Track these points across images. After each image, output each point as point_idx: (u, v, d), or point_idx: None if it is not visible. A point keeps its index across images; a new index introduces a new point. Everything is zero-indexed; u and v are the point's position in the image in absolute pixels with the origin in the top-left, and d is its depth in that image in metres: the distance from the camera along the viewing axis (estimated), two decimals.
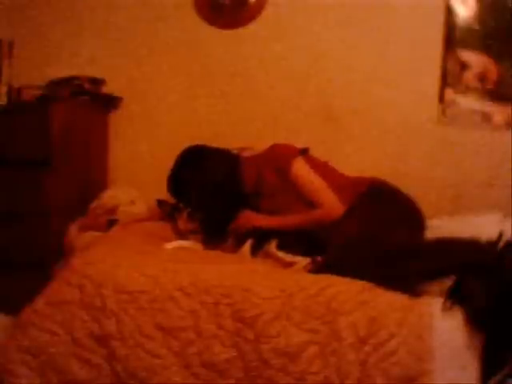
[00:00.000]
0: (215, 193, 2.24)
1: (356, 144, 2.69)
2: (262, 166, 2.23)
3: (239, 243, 2.16)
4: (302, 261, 1.96)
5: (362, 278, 1.68)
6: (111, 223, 2.43)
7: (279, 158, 2.19)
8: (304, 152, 2.24)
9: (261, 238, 2.13)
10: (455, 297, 1.52)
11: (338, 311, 1.57)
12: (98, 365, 1.66)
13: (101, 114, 2.83)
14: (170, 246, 2.09)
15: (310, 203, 2.14)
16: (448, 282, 1.56)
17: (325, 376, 1.52)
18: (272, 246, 2.07)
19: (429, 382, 1.45)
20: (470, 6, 2.55)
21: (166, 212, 2.34)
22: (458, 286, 1.52)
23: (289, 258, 2.01)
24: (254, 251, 2.13)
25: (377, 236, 1.87)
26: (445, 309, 1.51)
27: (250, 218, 2.18)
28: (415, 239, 1.98)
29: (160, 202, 2.39)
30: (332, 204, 2.09)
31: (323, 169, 2.23)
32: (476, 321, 1.48)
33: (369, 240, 1.85)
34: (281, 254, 2.03)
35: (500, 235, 1.65)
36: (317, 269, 1.85)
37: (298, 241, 2.05)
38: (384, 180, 2.24)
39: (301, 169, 2.16)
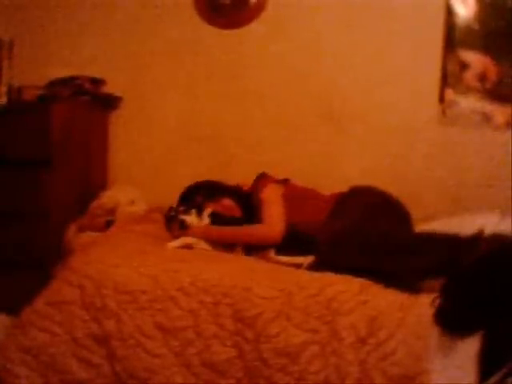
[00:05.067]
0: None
1: (356, 144, 2.69)
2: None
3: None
4: (305, 261, 1.96)
5: (356, 272, 1.70)
6: (109, 223, 2.43)
7: (256, 190, 2.28)
8: (284, 182, 2.33)
9: None
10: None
11: (338, 311, 1.58)
12: (98, 365, 1.66)
13: (101, 113, 2.83)
14: (175, 243, 2.08)
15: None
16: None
17: (325, 376, 1.53)
18: (271, 253, 2.07)
19: (428, 382, 1.45)
20: (470, 6, 2.55)
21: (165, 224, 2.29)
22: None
23: (292, 260, 2.01)
24: (248, 253, 2.13)
25: (362, 226, 1.90)
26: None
27: (194, 232, 2.16)
28: (401, 229, 2.01)
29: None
30: (273, 223, 2.12)
31: (305, 193, 2.28)
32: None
33: (355, 230, 1.88)
34: (283, 259, 2.03)
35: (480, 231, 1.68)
36: (312, 266, 1.86)
37: (295, 241, 2.06)
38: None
39: (268, 193, 2.22)
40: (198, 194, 2.30)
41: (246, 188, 2.40)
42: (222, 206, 2.27)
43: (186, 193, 2.34)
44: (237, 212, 2.29)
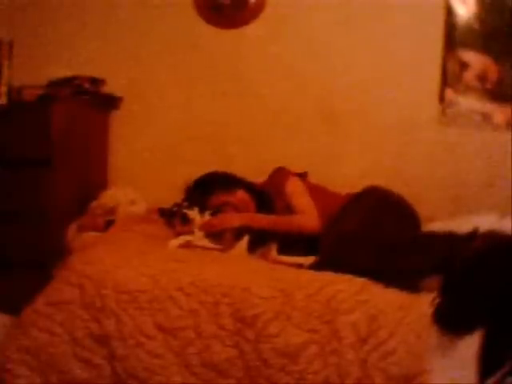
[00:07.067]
0: None
1: (356, 144, 2.69)
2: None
3: (237, 238, 2.15)
4: (306, 261, 1.96)
5: (359, 272, 1.70)
6: (109, 224, 2.42)
7: (277, 183, 2.29)
8: (301, 175, 2.36)
9: (258, 235, 2.13)
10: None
11: (338, 310, 1.58)
12: (98, 365, 1.66)
13: (101, 114, 2.83)
14: (176, 242, 2.08)
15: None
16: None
17: (325, 376, 1.53)
18: (273, 252, 2.06)
19: (428, 381, 1.45)
20: (469, 6, 2.55)
21: (166, 220, 2.28)
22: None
23: (293, 259, 2.00)
24: (252, 247, 2.12)
25: (367, 227, 1.90)
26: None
27: (226, 219, 2.17)
28: (404, 229, 2.01)
29: (162, 211, 2.31)
30: (308, 212, 2.15)
31: (317, 191, 2.28)
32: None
33: (361, 232, 1.88)
34: (284, 259, 2.03)
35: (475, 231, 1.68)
36: (314, 266, 1.86)
37: (298, 241, 2.05)
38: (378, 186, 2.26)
39: (292, 186, 2.25)
40: (198, 190, 2.31)
41: (258, 183, 2.41)
42: (236, 199, 2.28)
43: (199, 181, 2.36)
44: (250, 205, 2.29)
